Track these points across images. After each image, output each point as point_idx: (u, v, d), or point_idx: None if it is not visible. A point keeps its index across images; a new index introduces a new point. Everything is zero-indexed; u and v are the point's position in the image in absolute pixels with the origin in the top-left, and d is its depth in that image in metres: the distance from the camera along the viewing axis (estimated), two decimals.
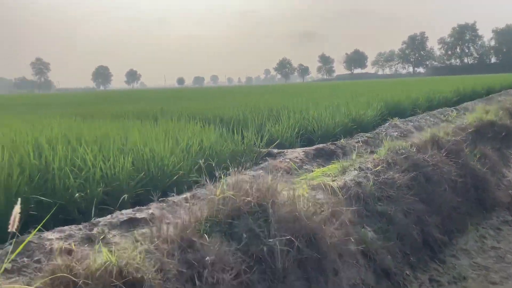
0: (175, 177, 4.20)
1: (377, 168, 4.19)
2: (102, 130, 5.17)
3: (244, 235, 2.46)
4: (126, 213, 3.41)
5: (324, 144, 6.30)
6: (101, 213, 3.67)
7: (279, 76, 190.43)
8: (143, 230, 3.30)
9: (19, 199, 1.39)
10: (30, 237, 2.83)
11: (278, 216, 2.62)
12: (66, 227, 3.08)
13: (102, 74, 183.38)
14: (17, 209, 1.38)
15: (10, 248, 2.72)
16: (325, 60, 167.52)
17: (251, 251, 2.39)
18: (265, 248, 2.39)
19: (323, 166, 5.44)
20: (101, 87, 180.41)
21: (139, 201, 4.06)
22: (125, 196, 3.72)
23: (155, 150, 4.22)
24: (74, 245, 2.89)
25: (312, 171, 5.13)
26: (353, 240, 3.10)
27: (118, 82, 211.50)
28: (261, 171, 4.75)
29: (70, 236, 2.98)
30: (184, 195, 3.92)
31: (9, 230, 2.69)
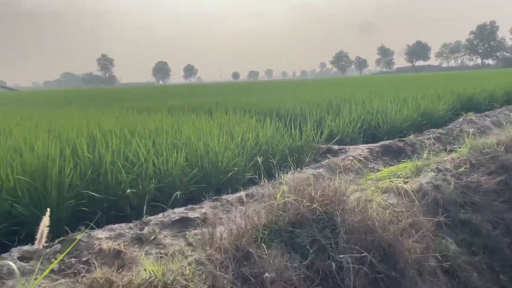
0: (229, 174, 3.94)
1: (459, 170, 3.64)
2: (156, 123, 5.04)
3: (308, 247, 2.11)
4: (178, 212, 3.20)
5: (390, 141, 5.75)
6: (153, 210, 3.49)
7: (335, 69, 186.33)
8: (195, 231, 3.07)
9: (48, 209, 1.12)
10: (81, 235, 2.70)
11: (348, 225, 2.24)
12: (116, 226, 2.92)
13: (161, 69, 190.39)
14: (45, 221, 1.11)
15: (59, 247, 2.61)
16: (385, 52, 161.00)
17: (316, 266, 2.04)
18: (333, 264, 2.03)
19: (390, 165, 4.93)
20: (160, 82, 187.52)
21: (192, 198, 3.84)
22: (178, 193, 3.52)
23: (209, 145, 3.98)
24: (124, 246, 2.72)
25: (379, 171, 4.64)
26: (434, 255, 2.64)
27: (176, 77, 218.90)
28: (322, 170, 4.36)
29: (120, 235, 2.82)
30: (239, 194, 3.65)
31: (35, 246, 2.57)
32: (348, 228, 2.25)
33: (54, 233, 3.05)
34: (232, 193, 3.77)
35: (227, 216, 3.32)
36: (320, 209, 2.26)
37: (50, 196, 2.95)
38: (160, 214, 3.16)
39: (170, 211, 3.20)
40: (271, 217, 2.18)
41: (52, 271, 2.40)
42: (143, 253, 2.71)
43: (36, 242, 1.05)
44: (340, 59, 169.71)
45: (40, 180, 2.96)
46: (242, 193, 3.66)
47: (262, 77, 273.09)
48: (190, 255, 2.06)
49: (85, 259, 2.50)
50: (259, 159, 3.39)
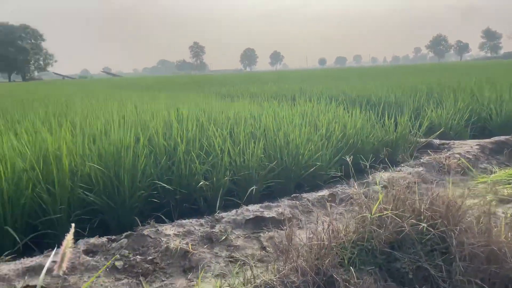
0: (311, 170, 3.52)
1: None
2: (236, 110, 4.78)
3: (410, 276, 1.63)
4: (253, 210, 2.88)
5: (507, 136, 4.82)
6: (226, 205, 3.22)
7: (431, 54, 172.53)
8: (270, 234, 2.73)
9: (73, 224, 0.78)
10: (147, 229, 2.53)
11: (466, 250, 1.70)
12: (186, 221, 2.69)
13: (249, 56, 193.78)
14: (68, 241, 0.77)
15: (125, 242, 2.46)
16: (491, 36, 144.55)
17: None
18: None
19: (507, 166, 4.08)
20: (247, 69, 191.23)
21: (268, 194, 3.51)
22: (253, 188, 3.20)
23: (290, 135, 3.58)
24: (192, 245, 2.48)
25: (493, 172, 3.86)
26: None
27: (262, 64, 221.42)
28: (421, 169, 3.72)
29: (189, 233, 2.59)
30: (321, 193, 3.21)
31: (101, 239, 2.41)
32: (466, 254, 1.71)
33: (125, 225, 2.93)
34: (313, 191, 3.35)
35: (307, 219, 2.92)
36: (427, 224, 1.75)
37: (122, 185, 2.81)
38: (233, 211, 2.87)
39: (244, 208, 2.90)
40: (363, 233, 1.73)
41: (116, 269, 2.25)
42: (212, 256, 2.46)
43: (56, 266, 0.74)
44: (438, 43, 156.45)
45: (113, 168, 2.84)
46: (325, 192, 3.22)
47: (349, 63, 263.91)
48: (260, 276, 1.71)
49: (150, 258, 2.30)
50: (347, 156, 2.92)
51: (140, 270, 2.22)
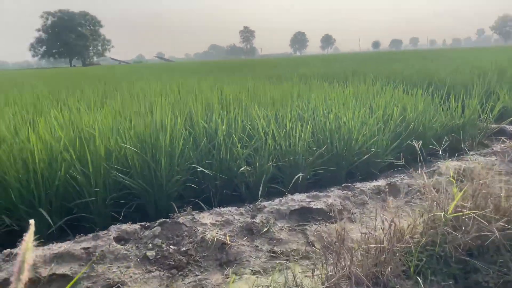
0: (365, 156, 3.16)
1: None
2: (284, 91, 4.47)
3: None
4: (299, 200, 2.59)
5: None
6: (270, 192, 2.96)
7: (496, 36, 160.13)
8: (318, 228, 2.44)
9: (32, 221, 0.49)
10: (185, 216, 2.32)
11: None
12: (225, 210, 2.47)
13: (299, 40, 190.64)
14: (27, 244, 0.48)
15: (158, 230, 2.28)
16: None
17: None
18: None
19: None
20: (297, 53, 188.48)
21: (316, 182, 3.20)
22: (300, 175, 2.91)
23: (342, 118, 3.23)
24: (230, 236, 2.26)
25: None
26: None
27: (313, 48, 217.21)
28: (494, 158, 3.23)
29: (227, 223, 2.36)
30: (377, 183, 2.86)
31: (134, 226, 2.22)
32: None
33: (163, 211, 2.77)
34: (367, 180, 3.00)
35: (361, 212, 2.59)
36: None
37: (159, 169, 2.63)
38: (277, 200, 2.61)
39: (289, 197, 2.63)
40: (434, 236, 1.40)
41: (147, 259, 2.07)
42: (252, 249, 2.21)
43: (13, 278, 0.47)
44: (504, 24, 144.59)
45: (150, 151, 2.67)
46: (381, 182, 2.86)
47: (406, 46, 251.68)
48: (304, 285, 1.43)
49: (185, 248, 2.10)
50: (414, 141, 2.54)
51: (173, 262, 2.02)
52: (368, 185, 2.83)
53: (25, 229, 2.30)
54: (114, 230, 2.16)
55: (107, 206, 2.61)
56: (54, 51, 50.05)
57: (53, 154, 2.48)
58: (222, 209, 2.48)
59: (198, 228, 2.24)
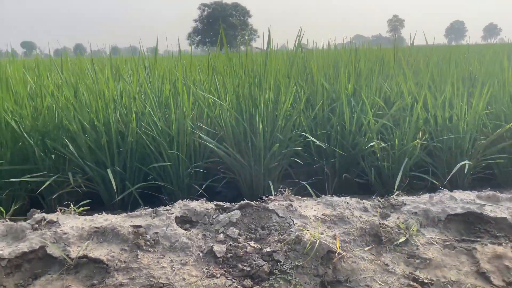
0: None
1: None
2: (447, 51, 3.32)
3: None
4: (463, 200, 1.64)
5: None
6: (413, 184, 2.03)
7: None
8: (497, 250, 1.44)
9: None
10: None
11: None
12: (339, 200, 1.66)
13: (456, 29, 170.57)
14: None
15: (237, 214, 1.56)
16: None
17: None
18: None
19: None
20: (453, 43, 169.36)
21: (488, 179, 2.12)
22: (466, 163, 1.89)
23: None
24: (343, 242, 1.44)
25: None
26: None
27: (473, 38, 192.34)
28: None
29: (341, 219, 1.54)
30: None
31: (206, 205, 1.52)
32: None
33: (258, 191, 2.09)
34: None
35: None
36: None
37: (256, 135, 1.95)
38: (425, 196, 1.69)
39: (445, 194, 1.68)
40: None
41: (213, 256, 1.41)
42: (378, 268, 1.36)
43: None
44: None
45: (247, 111, 1.99)
46: None
47: None
48: None
49: (269, 249, 1.38)
50: None
51: (249, 268, 1.32)
52: None
53: (94, 194, 1.84)
54: (179, 207, 1.56)
55: (190, 177, 2.04)
56: (207, 40, 54.53)
57: (132, 106, 2.01)
58: (335, 198, 1.67)
59: (295, 221, 1.50)
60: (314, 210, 1.59)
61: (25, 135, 1.93)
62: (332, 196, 1.70)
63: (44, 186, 1.81)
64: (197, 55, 6.32)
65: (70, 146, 1.88)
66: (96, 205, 1.88)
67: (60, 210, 1.53)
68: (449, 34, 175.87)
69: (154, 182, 2.01)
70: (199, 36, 58.32)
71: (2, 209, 1.66)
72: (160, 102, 2.10)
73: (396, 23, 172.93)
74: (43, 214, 1.47)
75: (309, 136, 1.95)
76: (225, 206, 1.60)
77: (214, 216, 1.54)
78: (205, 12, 58.71)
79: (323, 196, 1.69)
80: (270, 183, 1.91)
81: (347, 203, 1.65)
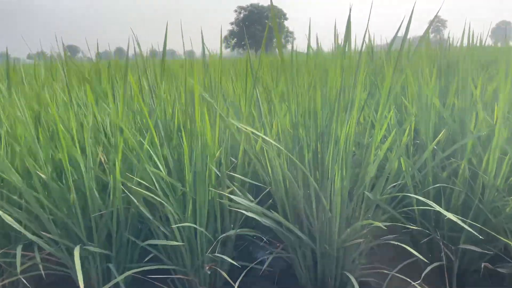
0: None
1: None
2: None
3: None
4: None
5: None
6: None
7: None
8: None
9: None
10: None
11: None
12: None
13: (503, 30, 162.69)
14: None
15: None
16: None
17: None
18: None
19: None
20: (498, 45, 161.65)
21: None
22: None
23: None
24: None
25: None
26: None
27: None
28: None
29: None
30: None
31: None
32: None
33: (319, 277, 1.25)
34: None
35: None
36: None
37: (326, 193, 1.11)
38: None
39: None
40: None
41: None
42: None
43: None
44: None
45: (311, 150, 1.17)
46: None
47: None
48: None
49: None
50: None
51: None
52: None
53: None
54: None
55: (213, 252, 1.24)
56: (242, 42, 54.32)
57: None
58: None
59: None
60: None
61: None
62: None
63: None
64: (232, 57, 5.58)
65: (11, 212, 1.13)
66: None
67: None
68: (495, 35, 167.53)
69: (156, 265, 1.22)
70: (235, 39, 58.19)
71: None
72: (171, 131, 1.32)
73: (438, 24, 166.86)
74: None
75: (426, 201, 1.09)
76: None
77: None
78: (241, 15, 58.51)
79: None
80: (351, 277, 1.08)
81: None
